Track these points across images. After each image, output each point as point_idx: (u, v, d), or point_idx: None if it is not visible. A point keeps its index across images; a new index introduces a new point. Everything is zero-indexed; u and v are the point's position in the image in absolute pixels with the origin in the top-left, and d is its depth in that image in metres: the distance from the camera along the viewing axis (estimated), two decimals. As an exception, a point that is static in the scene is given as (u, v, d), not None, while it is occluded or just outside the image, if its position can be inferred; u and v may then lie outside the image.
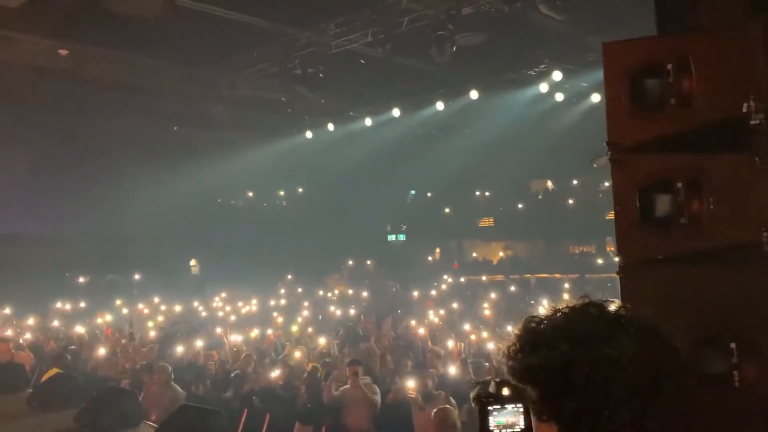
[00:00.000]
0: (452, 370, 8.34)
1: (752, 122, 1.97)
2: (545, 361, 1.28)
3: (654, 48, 2.24)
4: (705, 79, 2.11)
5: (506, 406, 1.78)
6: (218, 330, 12.58)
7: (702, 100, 2.11)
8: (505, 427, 1.78)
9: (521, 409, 1.73)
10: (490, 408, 1.81)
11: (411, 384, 7.31)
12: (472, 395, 1.92)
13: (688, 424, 1.39)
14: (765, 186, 1.99)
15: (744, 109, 2.00)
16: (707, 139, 2.12)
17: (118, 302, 17.61)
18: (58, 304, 17.02)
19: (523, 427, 1.73)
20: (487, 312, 13.64)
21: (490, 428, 1.81)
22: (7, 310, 15.55)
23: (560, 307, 1.40)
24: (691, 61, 2.11)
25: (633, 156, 2.23)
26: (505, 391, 1.78)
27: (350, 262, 27.85)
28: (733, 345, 1.97)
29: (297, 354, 10.42)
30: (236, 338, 12.52)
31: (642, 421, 1.22)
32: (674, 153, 2.16)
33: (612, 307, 1.36)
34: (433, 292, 19.04)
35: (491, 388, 1.86)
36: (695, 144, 2.12)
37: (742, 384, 1.97)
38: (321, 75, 14.37)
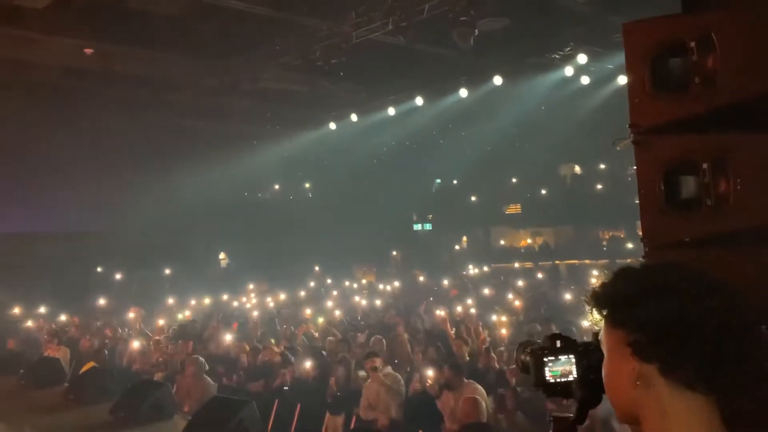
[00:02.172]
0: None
1: (779, 99, 1.91)
2: (660, 309, 1.39)
3: (676, 26, 2.17)
4: (730, 57, 2.04)
5: (560, 357, 1.92)
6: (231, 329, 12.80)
7: (727, 78, 2.05)
8: (561, 375, 1.92)
9: (573, 360, 1.89)
10: (545, 359, 1.93)
11: (430, 373, 7.31)
12: (523, 351, 2.00)
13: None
14: (793, 164, 1.94)
15: (770, 86, 1.94)
16: (733, 118, 2.05)
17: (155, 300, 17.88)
18: (100, 300, 17.37)
19: (576, 375, 1.88)
20: (517, 303, 13.45)
21: (547, 378, 1.94)
22: (42, 309, 15.88)
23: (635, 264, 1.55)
24: (715, 38, 2.05)
25: (656, 137, 2.18)
26: (558, 343, 1.93)
27: (395, 253, 27.91)
28: (764, 328, 1.92)
29: (330, 339, 10.55)
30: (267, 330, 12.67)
31: (740, 367, 1.36)
32: (699, 133, 2.10)
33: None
34: (446, 282, 18.80)
35: (543, 342, 1.98)
36: (720, 124, 2.06)
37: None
38: (343, 66, 14.35)
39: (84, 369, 10.09)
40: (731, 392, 1.39)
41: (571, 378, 1.88)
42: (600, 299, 1.52)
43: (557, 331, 2.05)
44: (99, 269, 21.61)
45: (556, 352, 1.92)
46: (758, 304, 1.99)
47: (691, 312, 1.37)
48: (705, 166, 2.07)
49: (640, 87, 2.21)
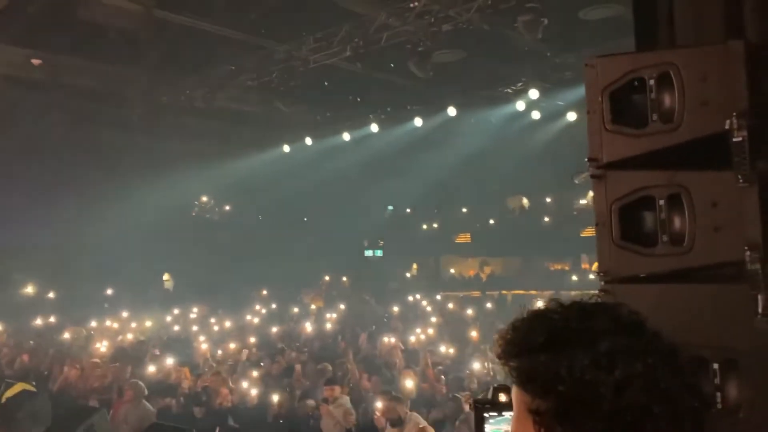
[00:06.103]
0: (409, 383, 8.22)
1: (734, 139, 1.95)
2: (567, 369, 1.09)
3: (636, 63, 2.21)
4: (687, 96, 2.08)
5: (504, 413, 1.67)
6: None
7: (684, 116, 2.09)
8: None
9: None
10: (486, 415, 1.71)
11: (378, 405, 7.20)
12: (469, 401, 1.83)
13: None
14: (746, 204, 1.97)
15: (726, 126, 1.98)
16: (689, 156, 2.09)
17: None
18: (38, 320, 16.59)
19: None
20: (474, 333, 13.28)
21: None
22: None
23: (565, 302, 1.23)
24: (673, 76, 2.10)
25: (614, 172, 2.20)
26: (503, 398, 1.68)
27: (326, 278, 27.65)
28: (715, 366, 1.93)
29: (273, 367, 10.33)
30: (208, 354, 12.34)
31: None
32: (656, 169, 2.13)
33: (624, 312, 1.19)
34: (395, 309, 18.73)
35: (488, 394, 1.76)
36: (677, 161, 2.10)
37: (724, 405, 1.94)
38: (299, 89, 14.36)
39: (11, 392, 9.57)
40: None
41: None
42: (506, 348, 1.21)
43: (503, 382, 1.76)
44: (31, 287, 20.63)
45: (500, 408, 1.68)
46: (711, 340, 2.01)
47: (595, 379, 1.08)
48: (661, 202, 2.09)
49: (599, 122, 2.23)
